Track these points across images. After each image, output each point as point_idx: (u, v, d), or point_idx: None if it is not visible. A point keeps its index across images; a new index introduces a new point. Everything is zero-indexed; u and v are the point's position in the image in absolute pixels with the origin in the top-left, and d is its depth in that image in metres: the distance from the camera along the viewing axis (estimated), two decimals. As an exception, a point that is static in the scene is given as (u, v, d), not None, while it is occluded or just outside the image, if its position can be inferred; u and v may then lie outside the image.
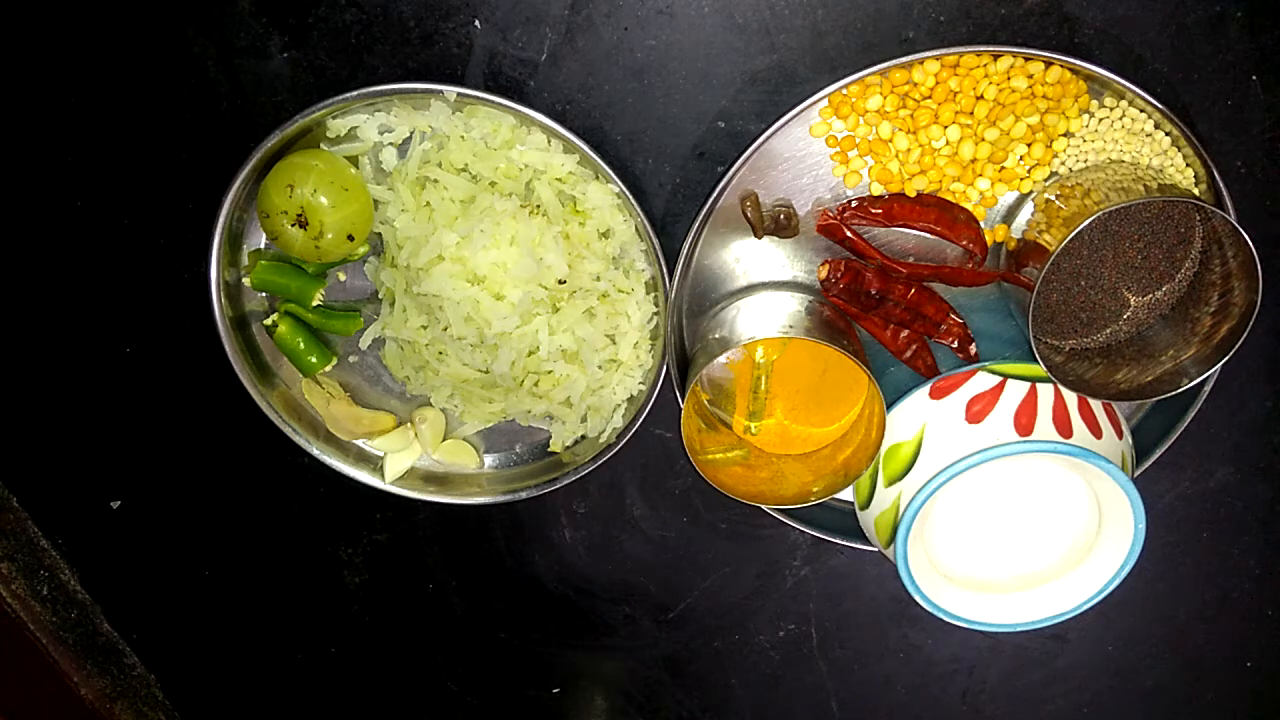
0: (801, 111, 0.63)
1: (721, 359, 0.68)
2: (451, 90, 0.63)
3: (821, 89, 0.63)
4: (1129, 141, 0.65)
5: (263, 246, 0.70)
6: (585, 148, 0.63)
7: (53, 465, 0.79)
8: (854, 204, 0.67)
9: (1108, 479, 0.64)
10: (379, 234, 0.67)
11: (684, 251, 0.66)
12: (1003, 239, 0.68)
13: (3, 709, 0.80)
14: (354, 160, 0.66)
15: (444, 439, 0.75)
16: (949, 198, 0.67)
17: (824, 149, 0.67)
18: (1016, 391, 0.65)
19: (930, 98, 0.64)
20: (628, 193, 0.64)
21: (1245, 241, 0.60)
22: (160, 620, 0.86)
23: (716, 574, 0.83)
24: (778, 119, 0.63)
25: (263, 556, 0.83)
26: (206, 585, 0.84)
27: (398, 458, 0.74)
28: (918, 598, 0.67)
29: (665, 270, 0.66)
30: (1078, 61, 0.62)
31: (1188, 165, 0.65)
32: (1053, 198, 0.65)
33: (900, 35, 0.64)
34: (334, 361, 0.73)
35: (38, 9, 0.65)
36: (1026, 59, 0.63)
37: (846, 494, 0.69)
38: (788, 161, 0.67)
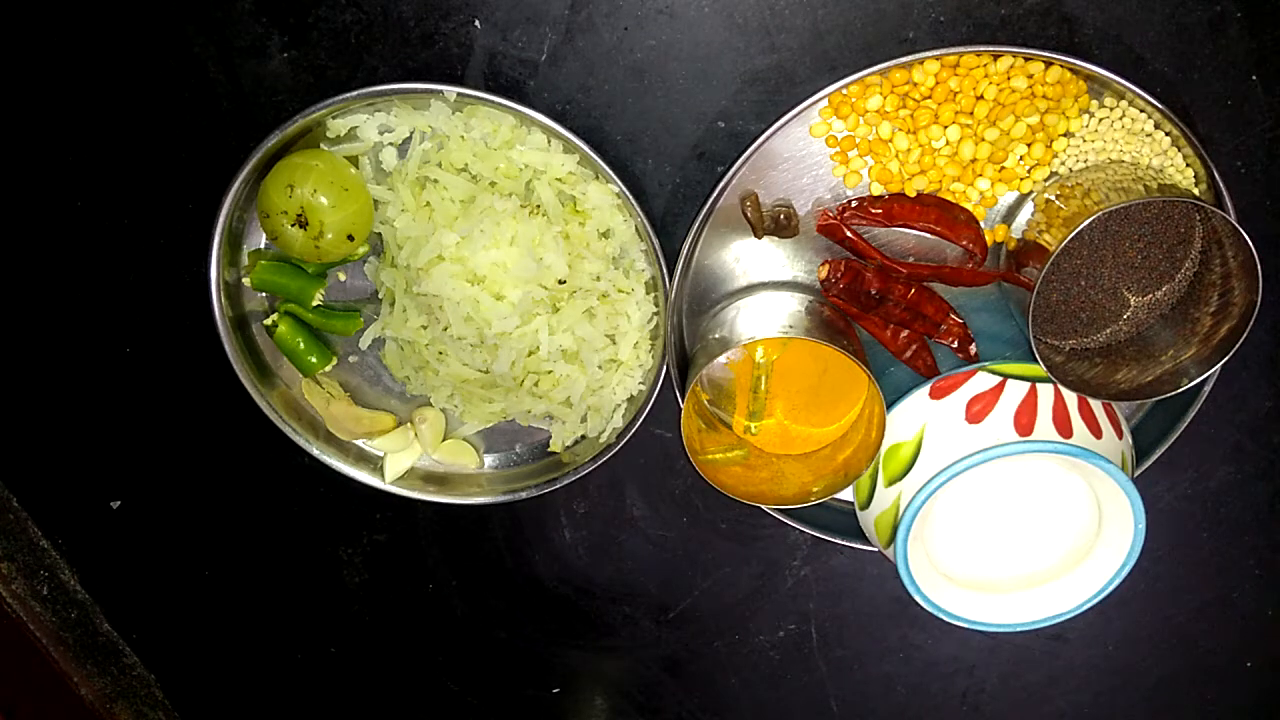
0: (801, 111, 0.63)
1: (721, 359, 0.68)
2: (451, 90, 0.63)
3: (821, 89, 0.63)
4: (1129, 141, 0.65)
5: (263, 246, 0.70)
6: (585, 148, 0.63)
7: (53, 465, 0.79)
8: (854, 204, 0.67)
9: (1108, 479, 0.64)
10: (379, 234, 0.67)
11: (684, 251, 0.66)
12: (1003, 239, 0.68)
13: (3, 709, 0.80)
14: (354, 160, 0.66)
15: (444, 439, 0.75)
16: (949, 198, 0.67)
17: (824, 149, 0.67)
18: (1016, 391, 0.65)
19: (930, 98, 0.64)
20: (628, 193, 0.64)
21: (1245, 241, 0.60)
22: (160, 620, 0.86)
23: (716, 574, 0.83)
24: (778, 119, 0.63)
25: (263, 556, 0.83)
26: (206, 585, 0.84)
27: (398, 458, 0.74)
28: (918, 598, 0.67)
29: (665, 270, 0.66)
30: (1078, 61, 0.62)
31: (1188, 165, 0.65)
32: (1053, 198, 0.65)
33: (900, 35, 0.64)
34: (334, 361, 0.73)
35: (38, 9, 0.65)
36: (1026, 59, 0.63)
37: (846, 494, 0.70)
38: (788, 161, 0.67)
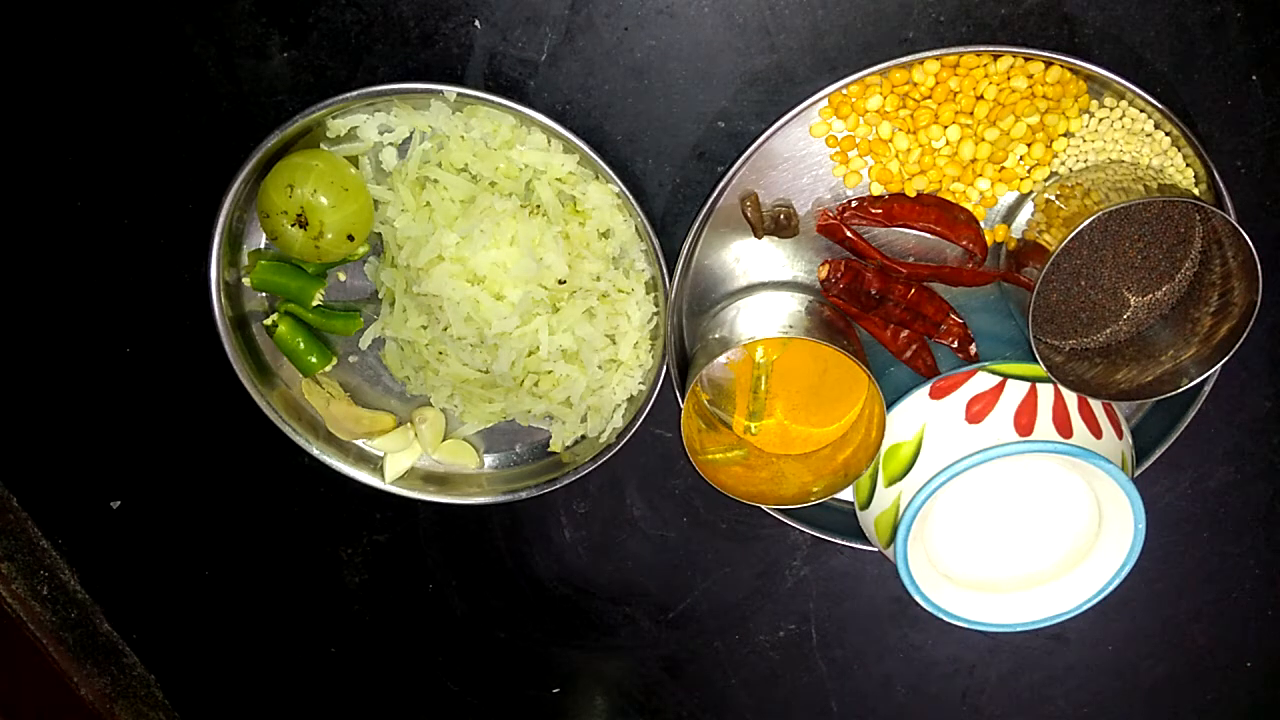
0: (801, 111, 0.63)
1: (721, 359, 0.68)
2: (451, 90, 0.63)
3: (821, 89, 0.63)
4: (1129, 141, 0.65)
5: (263, 246, 0.70)
6: (585, 148, 0.63)
7: (53, 465, 0.79)
8: (854, 204, 0.67)
9: (1108, 479, 0.64)
10: (379, 234, 0.67)
11: (684, 251, 0.66)
12: (1003, 239, 0.68)
13: (3, 709, 0.80)
14: (354, 160, 0.66)
15: (444, 439, 0.75)
16: (949, 198, 0.67)
17: (824, 149, 0.67)
18: (1016, 391, 0.65)
19: (930, 98, 0.64)
20: (628, 193, 0.64)
21: (1245, 241, 0.60)
22: (160, 620, 0.86)
23: (716, 574, 0.83)
24: (778, 119, 0.63)
25: (263, 556, 0.83)
26: (206, 585, 0.84)
27: (398, 458, 0.74)
28: (918, 598, 0.67)
29: (665, 270, 0.66)
30: (1078, 61, 0.62)
31: (1188, 165, 0.65)
32: (1053, 198, 0.65)
33: (900, 35, 0.64)
34: (334, 361, 0.73)
35: (38, 9, 0.65)
36: (1026, 59, 0.63)
37: (846, 494, 0.69)
38: (788, 161, 0.67)
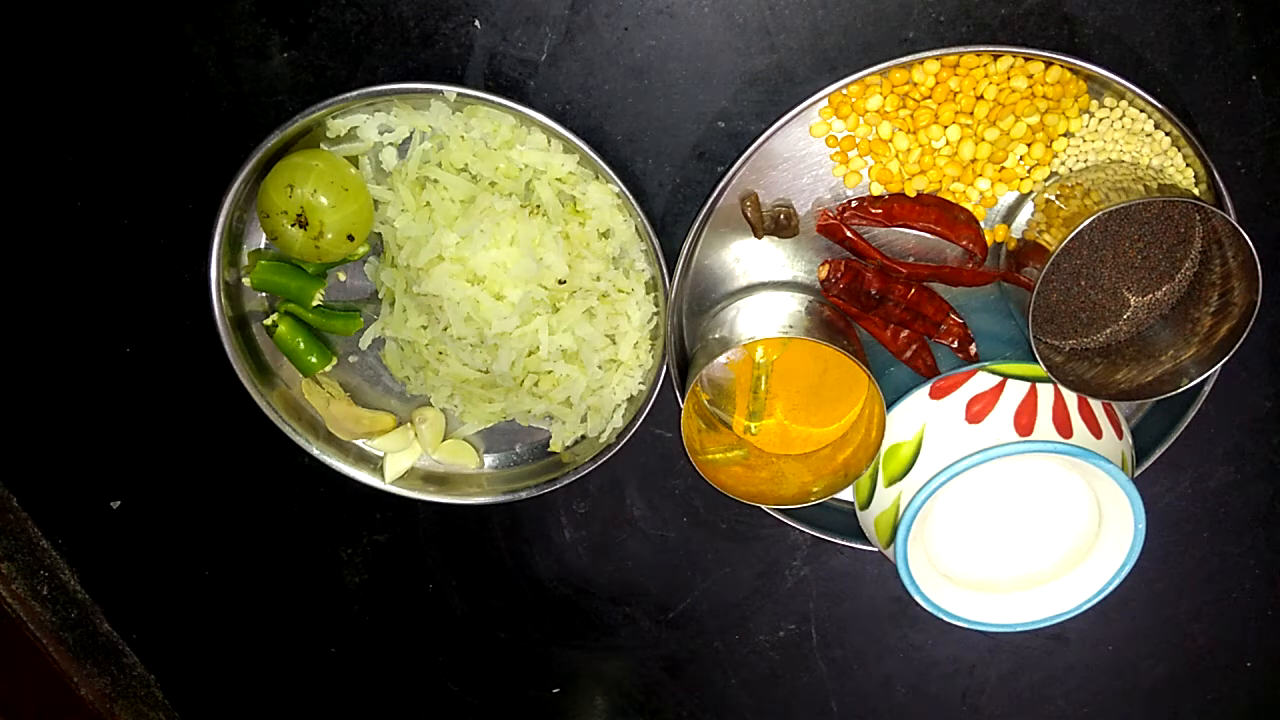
0: (801, 111, 0.63)
1: (721, 359, 0.68)
2: (451, 90, 0.63)
3: (821, 89, 0.63)
4: (1129, 141, 0.65)
5: (263, 246, 0.70)
6: (585, 148, 0.63)
7: (53, 465, 0.79)
8: (854, 204, 0.67)
9: (1108, 479, 0.64)
10: (379, 234, 0.67)
11: (684, 251, 0.66)
12: (1003, 239, 0.68)
13: (3, 709, 0.80)
14: (354, 160, 0.66)
15: (444, 439, 0.75)
16: (949, 198, 0.67)
17: (824, 149, 0.67)
18: (1016, 391, 0.65)
19: (930, 98, 0.64)
20: (628, 193, 0.64)
21: (1245, 241, 0.60)
22: (160, 620, 0.86)
23: (716, 574, 0.83)
24: (778, 119, 0.63)
25: (263, 556, 0.83)
26: (206, 585, 0.84)
27: (398, 458, 0.74)
28: (918, 598, 0.67)
29: (665, 270, 0.66)
30: (1078, 61, 0.62)
31: (1188, 165, 0.65)
32: (1053, 198, 0.65)
33: (900, 35, 0.64)
34: (334, 361, 0.73)
35: (38, 9, 0.65)
36: (1026, 59, 0.63)
37: (846, 494, 0.69)
38: (788, 161, 0.67)
